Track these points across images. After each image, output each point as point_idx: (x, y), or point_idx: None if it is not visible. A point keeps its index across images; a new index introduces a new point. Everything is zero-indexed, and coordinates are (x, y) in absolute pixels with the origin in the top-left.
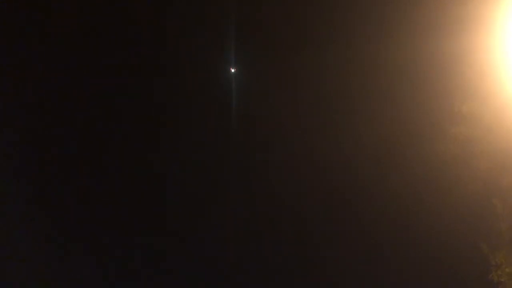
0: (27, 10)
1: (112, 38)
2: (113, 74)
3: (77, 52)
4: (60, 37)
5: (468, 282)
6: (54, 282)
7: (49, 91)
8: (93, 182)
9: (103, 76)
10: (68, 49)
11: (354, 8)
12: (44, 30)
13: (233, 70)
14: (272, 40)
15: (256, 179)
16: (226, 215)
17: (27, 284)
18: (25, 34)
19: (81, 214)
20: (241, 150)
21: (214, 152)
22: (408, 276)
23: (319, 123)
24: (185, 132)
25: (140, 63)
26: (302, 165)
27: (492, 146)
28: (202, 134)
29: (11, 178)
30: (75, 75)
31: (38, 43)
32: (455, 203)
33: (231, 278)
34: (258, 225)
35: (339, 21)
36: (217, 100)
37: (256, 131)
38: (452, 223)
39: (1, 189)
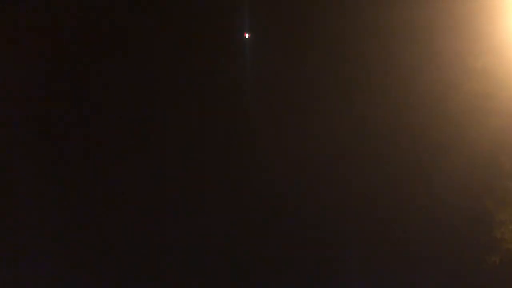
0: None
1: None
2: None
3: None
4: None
5: (470, 238)
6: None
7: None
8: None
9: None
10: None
11: None
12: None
13: (247, 36)
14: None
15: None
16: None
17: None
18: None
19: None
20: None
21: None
22: (409, 231)
23: (334, 90)
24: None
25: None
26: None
27: (505, 104)
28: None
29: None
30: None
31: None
32: (463, 160)
33: (231, 278)
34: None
35: None
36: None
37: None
38: (459, 179)
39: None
